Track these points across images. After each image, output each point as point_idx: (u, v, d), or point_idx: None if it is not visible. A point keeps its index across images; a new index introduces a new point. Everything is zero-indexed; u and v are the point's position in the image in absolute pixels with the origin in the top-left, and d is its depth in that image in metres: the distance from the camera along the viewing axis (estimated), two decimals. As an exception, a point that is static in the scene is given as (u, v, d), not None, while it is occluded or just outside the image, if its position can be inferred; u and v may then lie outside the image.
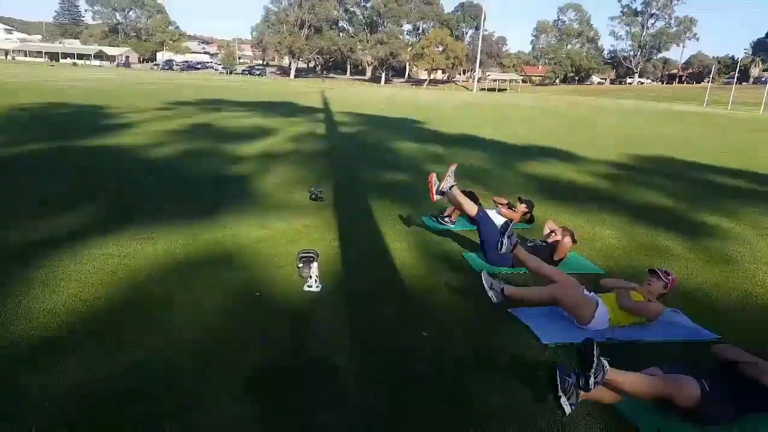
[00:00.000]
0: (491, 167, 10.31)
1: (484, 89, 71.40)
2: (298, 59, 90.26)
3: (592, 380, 2.42)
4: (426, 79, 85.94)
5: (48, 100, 18.21)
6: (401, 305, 3.98)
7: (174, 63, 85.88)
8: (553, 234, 4.93)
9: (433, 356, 3.26)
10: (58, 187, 6.74)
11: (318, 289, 4.18)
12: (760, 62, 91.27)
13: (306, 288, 4.16)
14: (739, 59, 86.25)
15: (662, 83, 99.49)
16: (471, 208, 4.93)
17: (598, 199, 7.81)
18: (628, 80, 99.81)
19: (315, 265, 4.24)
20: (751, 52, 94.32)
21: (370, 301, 4.03)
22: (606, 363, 2.49)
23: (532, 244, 4.95)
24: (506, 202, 6.39)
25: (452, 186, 5.03)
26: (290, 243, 5.25)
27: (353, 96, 35.52)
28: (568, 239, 4.77)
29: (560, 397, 2.48)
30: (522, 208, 6.28)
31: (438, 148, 12.31)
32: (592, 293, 3.81)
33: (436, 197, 5.01)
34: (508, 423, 2.64)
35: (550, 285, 3.78)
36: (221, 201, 6.66)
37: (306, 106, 23.36)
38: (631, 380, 2.56)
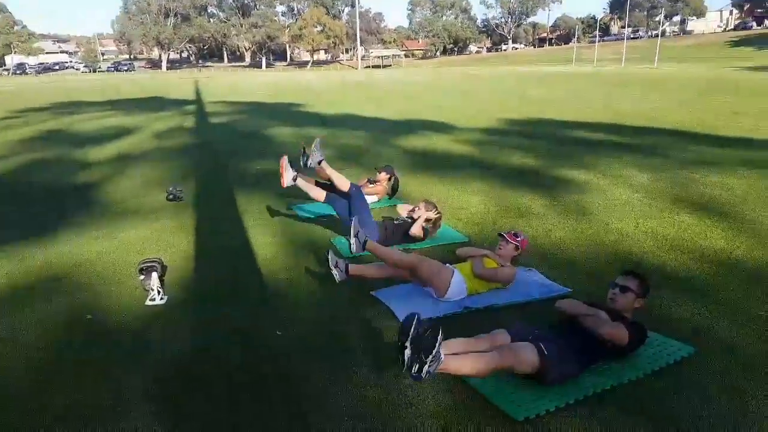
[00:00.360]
0: (369, 145, 10.15)
1: (369, 67, 71.50)
2: (169, 50, 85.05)
3: (425, 369, 2.26)
4: (309, 61, 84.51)
5: None
6: (257, 305, 3.68)
7: (27, 66, 77.52)
8: (416, 209, 4.82)
9: (282, 354, 3.00)
10: None
11: (162, 301, 3.76)
12: (617, 19, 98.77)
13: (149, 302, 3.73)
14: (599, 18, 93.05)
15: (534, 47, 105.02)
16: (343, 183, 4.70)
17: (469, 166, 7.89)
18: (503, 47, 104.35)
19: (155, 275, 3.80)
20: (609, 11, 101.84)
21: (222, 306, 3.68)
22: (443, 353, 2.35)
23: (398, 221, 4.80)
24: (365, 180, 6.23)
25: (321, 160, 4.78)
26: (138, 253, 4.73)
27: (230, 84, 34.01)
28: (424, 211, 4.70)
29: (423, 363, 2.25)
30: (383, 176, 6.14)
31: (317, 131, 11.95)
32: (448, 264, 3.73)
33: (287, 183, 4.69)
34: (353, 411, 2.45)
35: (410, 255, 3.67)
36: (63, 215, 5.93)
37: (177, 99, 21.97)
38: (468, 365, 2.44)
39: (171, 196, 6.66)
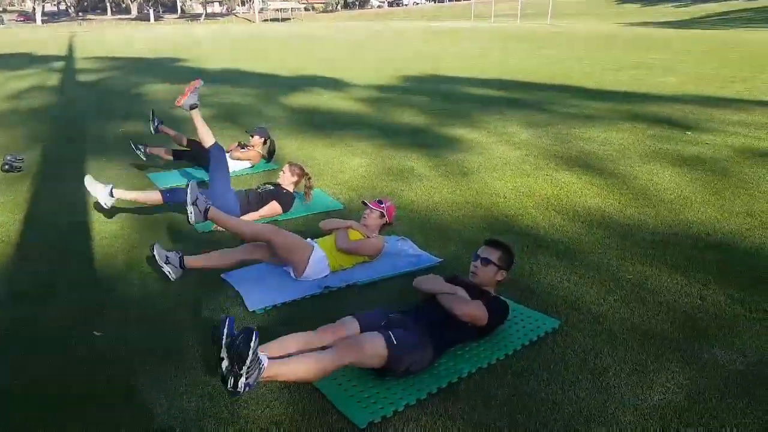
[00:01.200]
0: (253, 103, 9.42)
1: (267, 20, 68.09)
2: (44, 1, 76.19)
3: (242, 382, 1.87)
4: (202, 13, 79.10)
5: None
6: (82, 300, 3.10)
7: None
8: (281, 173, 4.36)
9: (92, 362, 2.50)
10: None
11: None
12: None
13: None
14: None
15: (434, 2, 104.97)
16: (208, 138, 4.16)
17: (357, 126, 7.47)
18: (404, 2, 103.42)
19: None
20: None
21: (37, 304, 3.07)
22: (264, 358, 1.97)
23: (261, 190, 4.32)
24: (236, 144, 5.64)
25: (194, 105, 4.22)
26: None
27: (110, 39, 30.83)
28: (289, 175, 4.28)
29: (238, 376, 1.87)
30: (256, 140, 5.59)
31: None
32: (309, 239, 3.34)
33: (182, 103, 4.14)
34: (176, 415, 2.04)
35: (260, 229, 3.22)
36: None
37: (45, 55, 19.52)
38: (302, 368, 2.08)
39: (7, 167, 5.72)
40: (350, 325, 2.37)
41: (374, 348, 2.17)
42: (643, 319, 2.78)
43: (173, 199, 4.03)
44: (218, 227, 3.61)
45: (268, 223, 3.86)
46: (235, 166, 5.40)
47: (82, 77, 13.40)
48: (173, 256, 3.02)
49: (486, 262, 2.64)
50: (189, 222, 3.15)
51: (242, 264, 3.24)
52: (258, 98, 9.87)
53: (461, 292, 2.53)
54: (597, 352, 2.51)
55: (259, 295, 3.01)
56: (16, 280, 3.37)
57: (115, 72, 14.31)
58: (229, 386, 1.86)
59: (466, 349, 2.49)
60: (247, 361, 1.84)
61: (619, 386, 2.28)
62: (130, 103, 9.58)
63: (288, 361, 2.07)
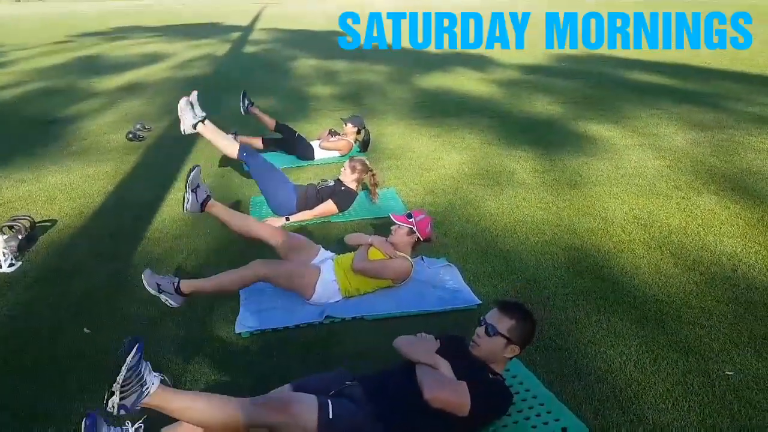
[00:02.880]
0: (382, 81, 9.09)
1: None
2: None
3: (114, 401, 1.57)
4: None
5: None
6: (111, 285, 3.04)
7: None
8: (343, 168, 3.94)
9: (54, 361, 2.36)
10: None
11: (11, 269, 3.23)
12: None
13: (-8, 267, 3.22)
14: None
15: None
16: (230, 150, 3.83)
17: (478, 113, 6.72)
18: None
19: (2, 238, 3.26)
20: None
21: (71, 281, 3.09)
22: (154, 381, 1.63)
23: (323, 186, 3.94)
24: (328, 130, 5.30)
25: (202, 120, 3.75)
26: (44, 203, 4.26)
27: (293, 12, 32.79)
28: (349, 173, 3.84)
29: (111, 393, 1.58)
30: (350, 129, 5.21)
31: (341, 64, 10.96)
32: (326, 254, 2.89)
33: (184, 128, 3.82)
34: None
35: (250, 265, 2.66)
36: (15, 152, 5.58)
37: (230, 25, 21.30)
38: (200, 408, 1.67)
39: (131, 135, 6.12)
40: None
41: (302, 413, 1.67)
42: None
43: (246, 159, 3.85)
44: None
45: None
46: (321, 154, 5.11)
47: (248, 48, 14.23)
48: (166, 282, 2.54)
49: (492, 331, 1.94)
50: (184, 209, 2.80)
51: (246, 284, 2.70)
52: (390, 77, 9.49)
53: (444, 367, 1.89)
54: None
55: (252, 315, 2.66)
56: (76, 252, 3.44)
57: (280, 44, 14.92)
58: (104, 403, 1.58)
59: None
60: (119, 377, 1.55)
61: None
62: (276, 77, 9.83)
63: (183, 394, 1.70)
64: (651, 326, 2.54)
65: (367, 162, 3.92)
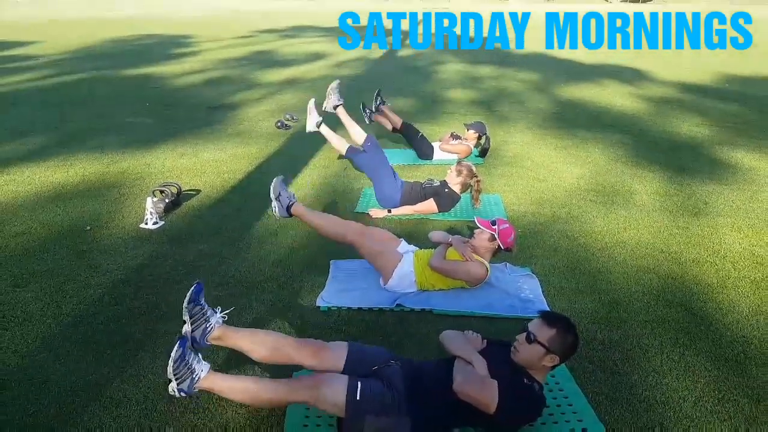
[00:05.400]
0: (522, 89, 9.00)
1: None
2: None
3: (173, 386, 1.88)
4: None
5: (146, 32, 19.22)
6: (224, 247, 3.56)
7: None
8: (449, 171, 4.10)
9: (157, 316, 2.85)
10: (40, 116, 7.01)
11: (155, 227, 3.88)
12: None
13: (142, 225, 3.89)
14: None
15: None
16: (358, 135, 4.31)
17: (613, 129, 6.45)
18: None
19: (149, 200, 3.93)
20: None
21: (192, 243, 3.66)
22: (203, 367, 1.93)
23: (427, 185, 4.15)
24: (450, 133, 5.45)
25: (337, 105, 4.48)
26: (195, 175, 4.99)
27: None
28: (455, 176, 4.00)
29: (170, 380, 1.95)
30: (471, 134, 5.33)
31: (486, 70, 11.01)
32: (409, 248, 3.09)
33: (311, 129, 4.38)
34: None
35: (349, 225, 3.09)
36: (181, 129, 6.54)
37: (390, 30, 22.23)
38: (241, 388, 1.95)
39: (279, 124, 6.80)
40: (337, 352, 2.11)
41: (332, 394, 1.91)
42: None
43: (350, 158, 4.37)
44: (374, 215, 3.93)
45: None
46: (440, 156, 5.31)
47: (402, 52, 14.84)
48: (285, 196, 3.04)
49: (532, 338, 2.01)
50: (275, 215, 3.14)
51: (343, 239, 3.04)
52: (533, 85, 9.37)
53: (480, 364, 2.00)
54: None
55: (335, 293, 2.96)
56: (212, 219, 4.04)
57: (431, 49, 15.32)
58: (168, 387, 1.92)
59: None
60: (168, 370, 1.86)
61: None
62: (414, 80, 10.21)
63: (228, 376, 2.00)
64: (728, 367, 2.40)
65: (474, 168, 4.04)
